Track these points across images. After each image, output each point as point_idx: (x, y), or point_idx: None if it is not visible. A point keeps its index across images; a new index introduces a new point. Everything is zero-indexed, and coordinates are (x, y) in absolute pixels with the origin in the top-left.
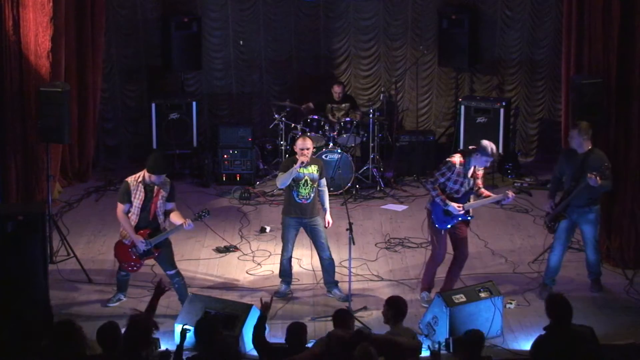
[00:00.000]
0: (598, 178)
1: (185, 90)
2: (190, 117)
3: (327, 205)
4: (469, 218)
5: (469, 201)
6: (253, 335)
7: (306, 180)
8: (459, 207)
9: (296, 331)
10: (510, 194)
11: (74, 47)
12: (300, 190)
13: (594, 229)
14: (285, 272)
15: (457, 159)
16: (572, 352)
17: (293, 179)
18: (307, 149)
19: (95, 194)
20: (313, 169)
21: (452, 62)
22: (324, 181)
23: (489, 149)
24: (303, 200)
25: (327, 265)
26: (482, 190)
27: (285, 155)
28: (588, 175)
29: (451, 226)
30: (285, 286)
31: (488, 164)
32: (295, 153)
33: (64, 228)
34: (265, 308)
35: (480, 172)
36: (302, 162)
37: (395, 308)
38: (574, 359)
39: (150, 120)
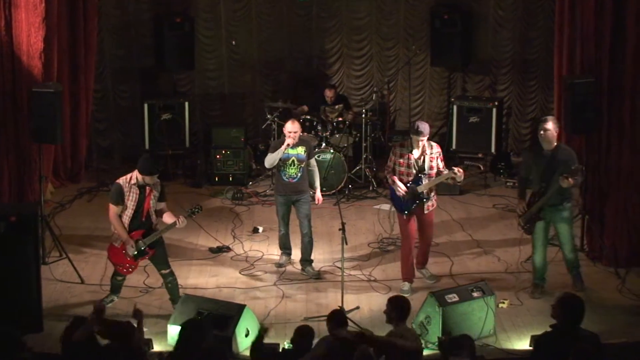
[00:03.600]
0: (570, 179)
1: (177, 90)
2: (182, 117)
3: (317, 184)
4: (424, 200)
5: (422, 183)
6: (251, 353)
7: (293, 161)
8: (401, 189)
9: (305, 334)
10: (457, 171)
11: (67, 48)
12: (287, 170)
13: (569, 227)
14: (283, 245)
15: (398, 143)
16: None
17: (281, 159)
18: (295, 132)
19: (88, 195)
20: (300, 150)
21: (444, 61)
22: (313, 161)
23: (415, 125)
24: (290, 179)
25: (306, 244)
26: (438, 172)
27: None
28: (560, 179)
29: (409, 212)
30: (286, 257)
31: (420, 142)
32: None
33: (57, 229)
34: (264, 332)
35: (435, 156)
36: (288, 144)
37: (399, 308)
38: None
39: (143, 120)
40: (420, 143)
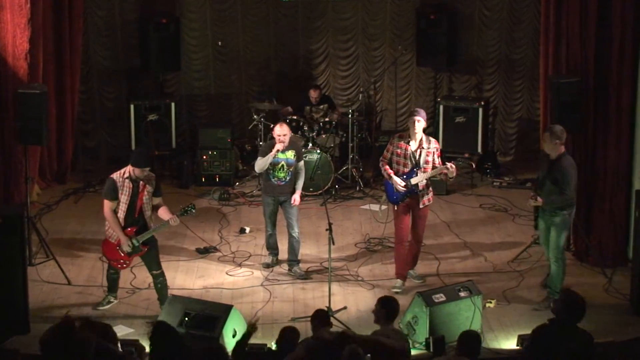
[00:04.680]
0: (537, 199)
1: (164, 91)
2: (169, 118)
3: (299, 185)
4: (417, 192)
5: (416, 176)
6: (234, 350)
7: (282, 165)
8: (401, 184)
9: (290, 336)
10: (450, 165)
11: (52, 49)
12: (276, 173)
13: (556, 233)
14: (270, 245)
15: (397, 134)
16: (568, 352)
17: (270, 163)
18: (284, 134)
19: (74, 196)
20: (290, 154)
21: (430, 61)
22: (301, 163)
23: (411, 110)
24: (279, 182)
25: (293, 244)
26: (433, 167)
27: None
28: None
29: (402, 202)
30: (273, 258)
31: (415, 124)
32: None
33: (43, 230)
34: (252, 329)
35: (432, 151)
36: (278, 150)
37: (388, 307)
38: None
39: (129, 121)
40: (417, 126)
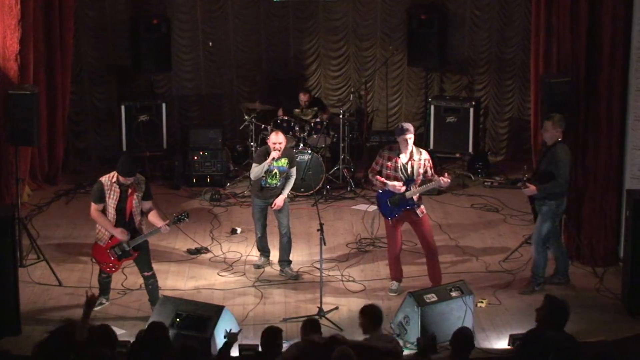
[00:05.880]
0: (530, 187)
1: (154, 92)
2: (160, 118)
3: (285, 191)
4: (414, 205)
5: (410, 190)
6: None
7: (275, 173)
8: (399, 185)
9: (272, 335)
10: (444, 179)
11: (43, 50)
12: (268, 180)
13: (540, 222)
14: (262, 247)
15: (386, 147)
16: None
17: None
18: (280, 143)
19: (65, 197)
20: (283, 162)
21: (421, 62)
22: (293, 169)
23: (399, 126)
24: (270, 186)
25: (285, 244)
26: (429, 177)
27: None
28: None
29: (398, 216)
30: (264, 259)
31: (407, 141)
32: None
33: (34, 231)
34: (232, 338)
35: (423, 162)
36: (274, 158)
37: (370, 315)
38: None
39: (120, 122)
40: (409, 143)
